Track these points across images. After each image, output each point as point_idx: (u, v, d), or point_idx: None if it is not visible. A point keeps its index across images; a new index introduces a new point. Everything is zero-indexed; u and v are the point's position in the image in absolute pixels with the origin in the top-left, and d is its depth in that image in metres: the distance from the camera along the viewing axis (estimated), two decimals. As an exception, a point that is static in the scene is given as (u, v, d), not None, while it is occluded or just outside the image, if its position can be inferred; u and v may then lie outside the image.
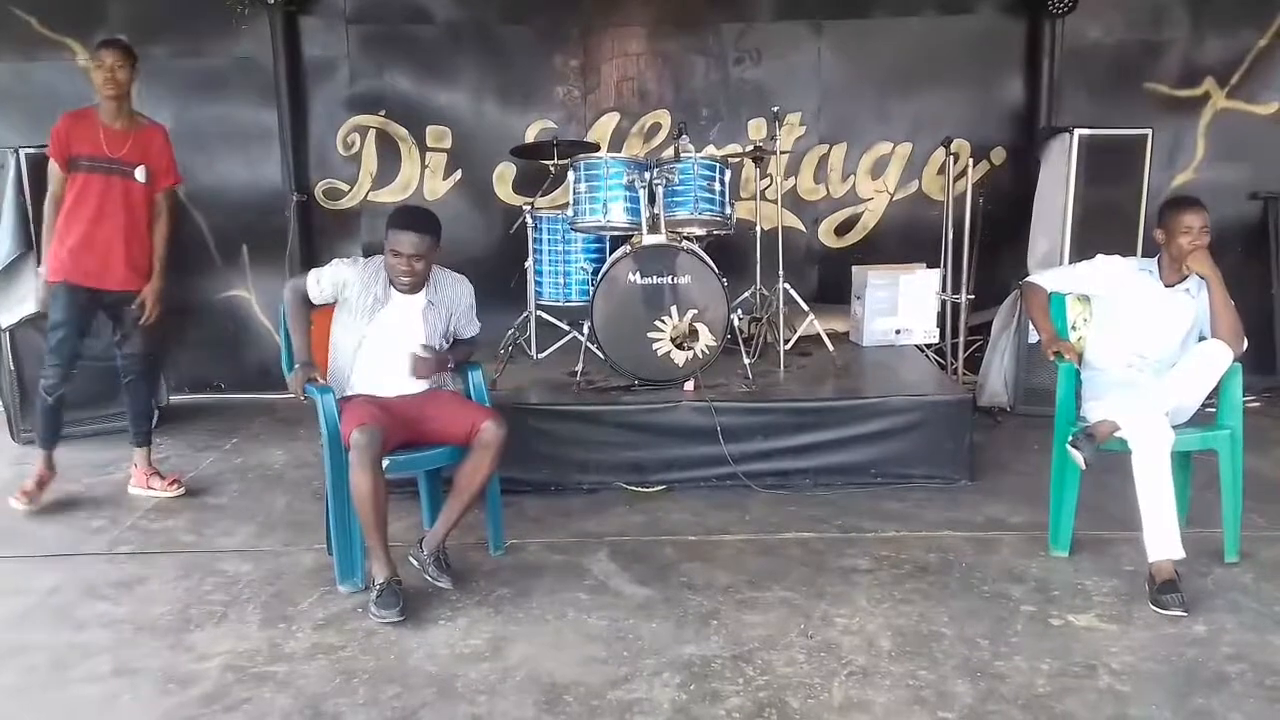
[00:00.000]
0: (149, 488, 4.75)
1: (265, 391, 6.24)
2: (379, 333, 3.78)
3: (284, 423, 5.87)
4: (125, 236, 4.52)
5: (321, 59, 6.34)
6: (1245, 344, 3.76)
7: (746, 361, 5.05)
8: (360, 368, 3.80)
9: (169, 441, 5.59)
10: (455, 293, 3.93)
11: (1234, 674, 3.04)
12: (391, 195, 6.38)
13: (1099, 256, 4.03)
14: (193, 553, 4.11)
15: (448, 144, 6.41)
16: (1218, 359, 3.66)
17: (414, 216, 3.82)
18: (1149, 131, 5.58)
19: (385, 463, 3.50)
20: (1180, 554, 3.45)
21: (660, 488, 4.68)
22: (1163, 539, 3.45)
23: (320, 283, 3.80)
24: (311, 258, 6.33)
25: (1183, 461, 3.83)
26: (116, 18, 6.16)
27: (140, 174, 4.52)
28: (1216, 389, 3.73)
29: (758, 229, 5.54)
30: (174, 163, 4.71)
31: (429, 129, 6.39)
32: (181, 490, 4.75)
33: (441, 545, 3.68)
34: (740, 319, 5.20)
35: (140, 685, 3.10)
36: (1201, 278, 3.74)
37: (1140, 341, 3.83)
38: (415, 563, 3.66)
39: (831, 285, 6.31)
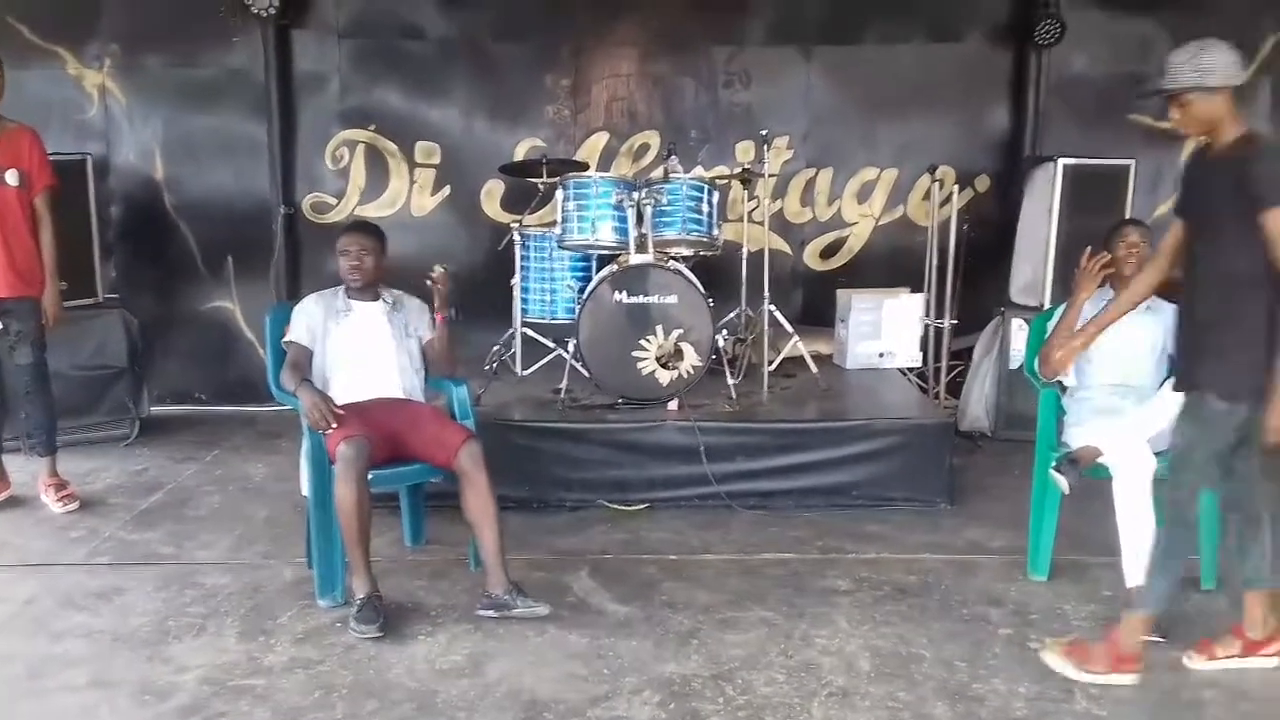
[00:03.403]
0: (46, 497, 4.69)
1: (248, 404, 6.25)
2: (346, 341, 3.87)
3: (265, 435, 5.86)
4: (3, 242, 4.44)
5: (313, 72, 6.36)
6: None
7: (731, 382, 5.07)
8: (336, 378, 3.84)
9: (149, 452, 5.58)
10: (410, 301, 4.05)
11: (1209, 699, 3.07)
12: (379, 210, 6.39)
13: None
14: (172, 564, 4.09)
15: (437, 160, 6.43)
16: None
17: (360, 223, 4.24)
18: (1132, 162, 5.64)
19: (369, 476, 3.50)
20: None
21: (643, 506, 4.69)
22: (1142, 565, 3.46)
23: (298, 335, 3.85)
24: (296, 271, 6.36)
25: (1163, 487, 3.85)
26: (109, 27, 6.19)
27: (11, 177, 4.45)
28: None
29: (744, 250, 5.57)
30: (47, 164, 4.60)
31: (418, 144, 6.41)
32: (75, 505, 4.66)
33: (509, 579, 3.57)
34: (725, 340, 5.22)
35: (117, 697, 3.09)
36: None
37: (1119, 367, 3.86)
38: (494, 612, 3.54)
39: (816, 308, 6.34)
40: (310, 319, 3.88)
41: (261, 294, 6.27)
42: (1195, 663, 3.27)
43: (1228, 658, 3.26)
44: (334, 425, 3.53)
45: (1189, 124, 3.03)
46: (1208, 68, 2.90)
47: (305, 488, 3.70)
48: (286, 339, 3.87)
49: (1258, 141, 2.97)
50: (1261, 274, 2.90)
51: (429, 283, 3.93)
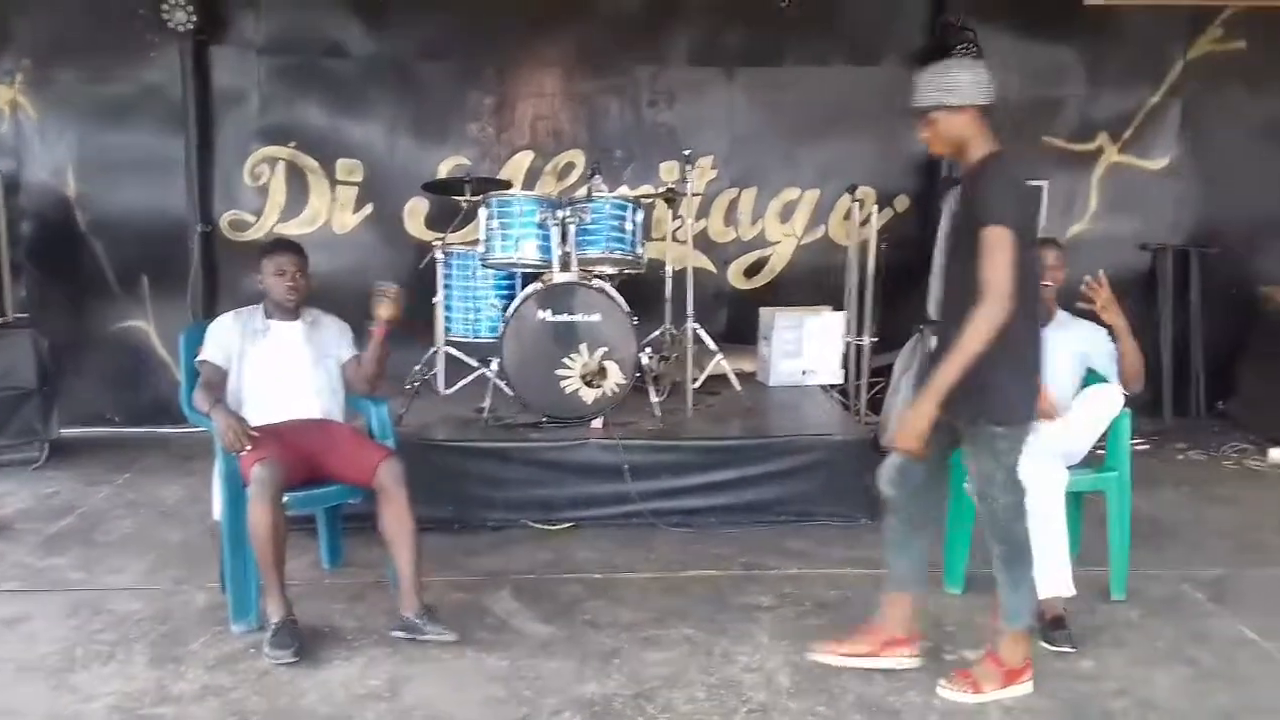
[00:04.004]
0: None
1: (162, 425, 6.12)
2: (264, 362, 3.81)
3: (180, 457, 5.73)
4: None
5: (232, 89, 6.27)
6: (1142, 385, 3.88)
7: (655, 400, 5.09)
8: (252, 399, 3.78)
9: (59, 475, 5.44)
10: (329, 320, 4.01)
11: (1119, 710, 3.13)
12: (299, 228, 6.30)
13: None
14: (81, 590, 3.98)
15: (359, 177, 6.37)
16: (1108, 404, 3.78)
17: (289, 242, 4.10)
18: (1045, 183, 5.79)
19: (285, 499, 3.44)
20: (1070, 592, 3.54)
21: (567, 525, 4.67)
22: (1054, 577, 3.52)
23: (213, 355, 3.78)
24: (213, 288, 6.26)
25: (1074, 502, 3.95)
26: (25, 41, 6.07)
27: None
28: (1107, 432, 3.85)
29: (668, 269, 5.60)
30: None
31: (340, 162, 6.35)
32: None
33: (422, 602, 3.53)
34: (649, 358, 5.23)
35: (20, 728, 2.99)
36: (1109, 325, 3.81)
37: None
38: (404, 634, 3.50)
39: (740, 326, 6.39)
40: (226, 339, 3.81)
41: (178, 313, 6.14)
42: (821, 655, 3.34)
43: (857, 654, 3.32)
44: (248, 447, 3.46)
45: (937, 142, 3.04)
46: (950, 86, 2.92)
47: (218, 511, 3.62)
48: (200, 359, 3.80)
49: (991, 161, 2.96)
50: (1015, 295, 2.86)
51: (379, 296, 3.86)
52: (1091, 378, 3.95)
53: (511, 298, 5.28)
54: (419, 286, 5.68)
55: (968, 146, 2.99)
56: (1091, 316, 3.86)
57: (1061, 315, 3.97)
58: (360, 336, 3.99)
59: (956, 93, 2.93)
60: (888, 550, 3.36)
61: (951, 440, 3.16)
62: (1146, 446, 5.96)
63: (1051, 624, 3.51)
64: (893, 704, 3.14)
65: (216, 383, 3.74)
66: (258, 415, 3.71)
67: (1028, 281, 2.92)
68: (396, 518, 3.53)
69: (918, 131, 3.07)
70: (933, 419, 2.93)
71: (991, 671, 3.18)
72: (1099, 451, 3.94)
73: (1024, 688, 3.18)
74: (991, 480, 3.06)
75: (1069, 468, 3.67)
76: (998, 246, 2.82)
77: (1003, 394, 2.98)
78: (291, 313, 3.90)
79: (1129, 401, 3.81)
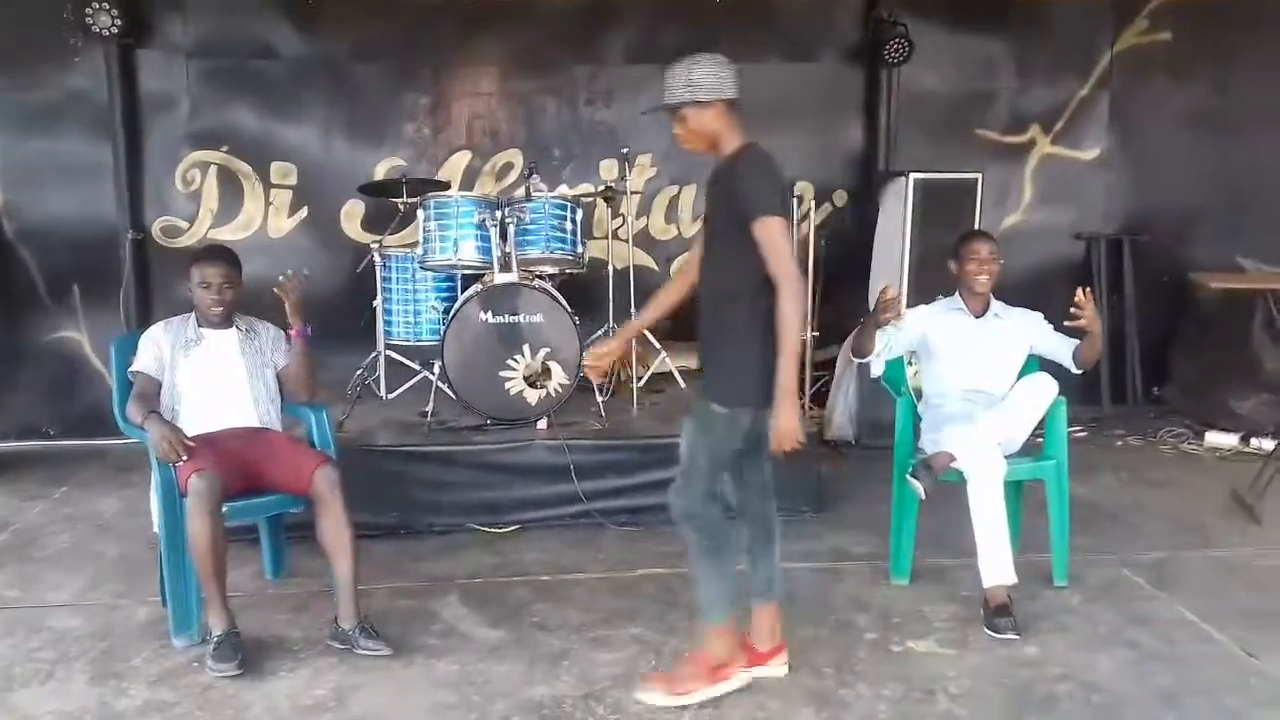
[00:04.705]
0: None
1: (98, 437, 5.96)
2: (198, 371, 3.74)
3: (117, 469, 5.62)
4: None
5: (159, 93, 6.16)
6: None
7: (600, 400, 5.08)
8: (186, 408, 3.71)
9: (-8, 491, 5.30)
10: (263, 328, 3.94)
11: (1063, 693, 3.17)
12: (233, 233, 6.21)
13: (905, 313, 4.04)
14: (17, 608, 3.87)
15: (293, 181, 6.29)
16: (1043, 392, 3.84)
17: (218, 250, 3.91)
18: (979, 175, 5.86)
19: (224, 509, 3.38)
20: (1013, 579, 3.60)
21: (514, 528, 4.65)
22: (996, 566, 3.59)
23: (145, 365, 3.70)
24: (147, 297, 6.15)
25: (1014, 490, 4.00)
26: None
27: None
28: (1044, 420, 3.91)
29: (610, 268, 5.59)
30: None
31: (274, 165, 6.26)
32: None
33: (359, 614, 3.47)
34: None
35: (-48, 753, 2.91)
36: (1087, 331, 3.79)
37: (969, 375, 3.97)
38: (339, 644, 3.45)
39: (684, 324, 6.34)
40: (158, 349, 3.73)
41: (111, 323, 6.02)
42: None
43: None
44: (184, 457, 3.40)
45: (688, 138, 3.07)
46: (696, 83, 2.96)
47: (156, 523, 3.55)
48: (133, 369, 3.72)
49: (743, 155, 3.00)
50: (758, 285, 2.91)
51: (275, 290, 3.81)
52: (1029, 366, 4.02)
53: (452, 299, 5.24)
54: (357, 290, 5.63)
55: (720, 141, 3.03)
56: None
57: (996, 305, 4.02)
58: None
59: (702, 88, 2.96)
60: (747, 560, 3.31)
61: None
62: (1084, 433, 6.07)
63: (996, 611, 3.56)
64: (843, 696, 3.16)
65: (150, 393, 3.66)
66: (193, 425, 3.64)
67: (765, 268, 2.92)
68: (334, 526, 3.48)
69: (674, 129, 3.07)
70: (798, 411, 2.94)
71: (695, 671, 3.16)
72: (1037, 439, 4.00)
73: (731, 684, 3.16)
74: (695, 460, 3.06)
75: (1007, 456, 3.72)
76: (775, 236, 2.88)
77: (730, 377, 3.00)
78: (225, 321, 3.83)
79: (1064, 388, 3.87)
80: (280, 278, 3.84)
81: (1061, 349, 3.92)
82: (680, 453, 3.11)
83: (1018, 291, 4.18)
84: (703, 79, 2.96)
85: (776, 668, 3.29)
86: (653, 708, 3.10)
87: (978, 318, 4.01)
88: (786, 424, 2.91)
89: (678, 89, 2.98)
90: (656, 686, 3.15)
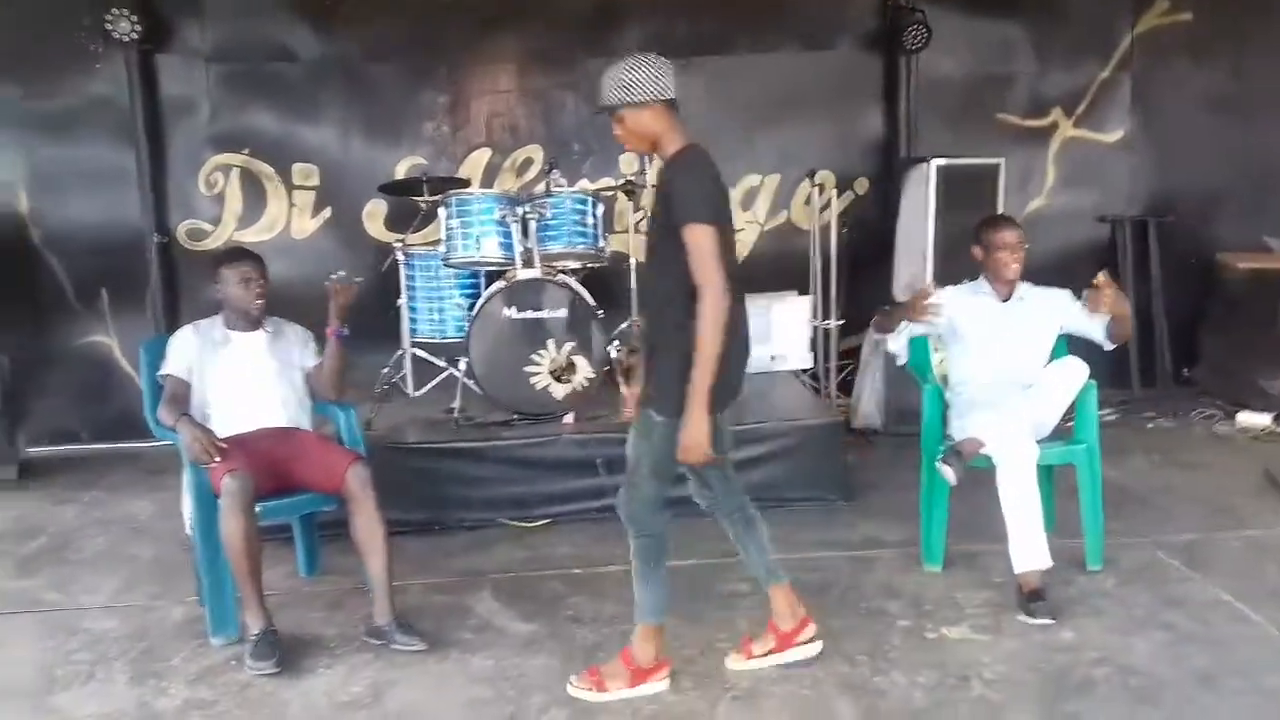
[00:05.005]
0: None
1: (130, 440, 6.01)
2: (227, 373, 3.77)
3: (150, 472, 5.66)
4: None
5: (180, 97, 6.20)
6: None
7: (624, 392, 5.07)
8: (218, 410, 3.74)
9: (27, 496, 5.37)
10: (290, 329, 3.98)
11: (1100, 677, 3.16)
12: (257, 234, 6.25)
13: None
14: (56, 611, 3.93)
15: (315, 181, 6.32)
16: (1073, 376, 3.81)
17: (245, 251, 3.99)
18: (1001, 160, 5.82)
19: (257, 509, 3.41)
20: (1047, 564, 3.58)
21: (543, 522, 4.66)
22: (1029, 550, 3.57)
23: (175, 369, 3.74)
24: (174, 299, 6.20)
25: (1045, 474, 3.98)
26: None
27: None
28: (1074, 404, 3.89)
29: (632, 261, 5.59)
30: None
31: (295, 166, 6.29)
32: None
33: (393, 610, 3.50)
34: (618, 350, 5.22)
35: (-2, 754, 2.95)
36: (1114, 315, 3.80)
37: (997, 359, 3.95)
38: (375, 641, 3.48)
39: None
40: (186, 351, 3.77)
41: (140, 326, 6.07)
42: (735, 663, 3.29)
43: (766, 654, 3.28)
44: (216, 459, 3.43)
45: (628, 139, 3.05)
46: (632, 83, 2.93)
47: (190, 524, 3.58)
48: (163, 373, 3.75)
49: (679, 159, 2.96)
50: (690, 291, 2.86)
51: (326, 285, 3.84)
52: (1058, 350, 4.00)
53: (476, 296, 5.26)
54: (382, 289, 5.65)
55: (660, 141, 2.99)
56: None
57: (1022, 288, 4.00)
58: (322, 343, 3.95)
59: (637, 89, 2.93)
60: (740, 551, 3.34)
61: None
62: (1115, 416, 6.02)
63: (1030, 596, 3.54)
64: (878, 684, 3.16)
65: (181, 396, 3.70)
66: (224, 426, 3.67)
67: (725, 264, 2.89)
68: (367, 523, 3.50)
69: (614, 130, 3.04)
70: (707, 424, 2.88)
71: (619, 670, 3.14)
72: (1068, 424, 3.97)
73: (655, 687, 3.15)
74: (639, 467, 3.03)
75: (1038, 441, 3.70)
76: (701, 243, 2.84)
77: (666, 385, 2.94)
78: (253, 323, 3.86)
79: (1093, 371, 3.85)
80: (332, 276, 3.87)
81: (1093, 325, 3.90)
82: (627, 458, 3.09)
83: (1043, 275, 4.15)
84: (639, 80, 2.93)
85: (807, 648, 3.29)
86: (695, 697, 3.11)
87: (1004, 301, 3.99)
88: (690, 437, 2.87)
89: (613, 91, 2.96)
90: (587, 681, 3.15)
